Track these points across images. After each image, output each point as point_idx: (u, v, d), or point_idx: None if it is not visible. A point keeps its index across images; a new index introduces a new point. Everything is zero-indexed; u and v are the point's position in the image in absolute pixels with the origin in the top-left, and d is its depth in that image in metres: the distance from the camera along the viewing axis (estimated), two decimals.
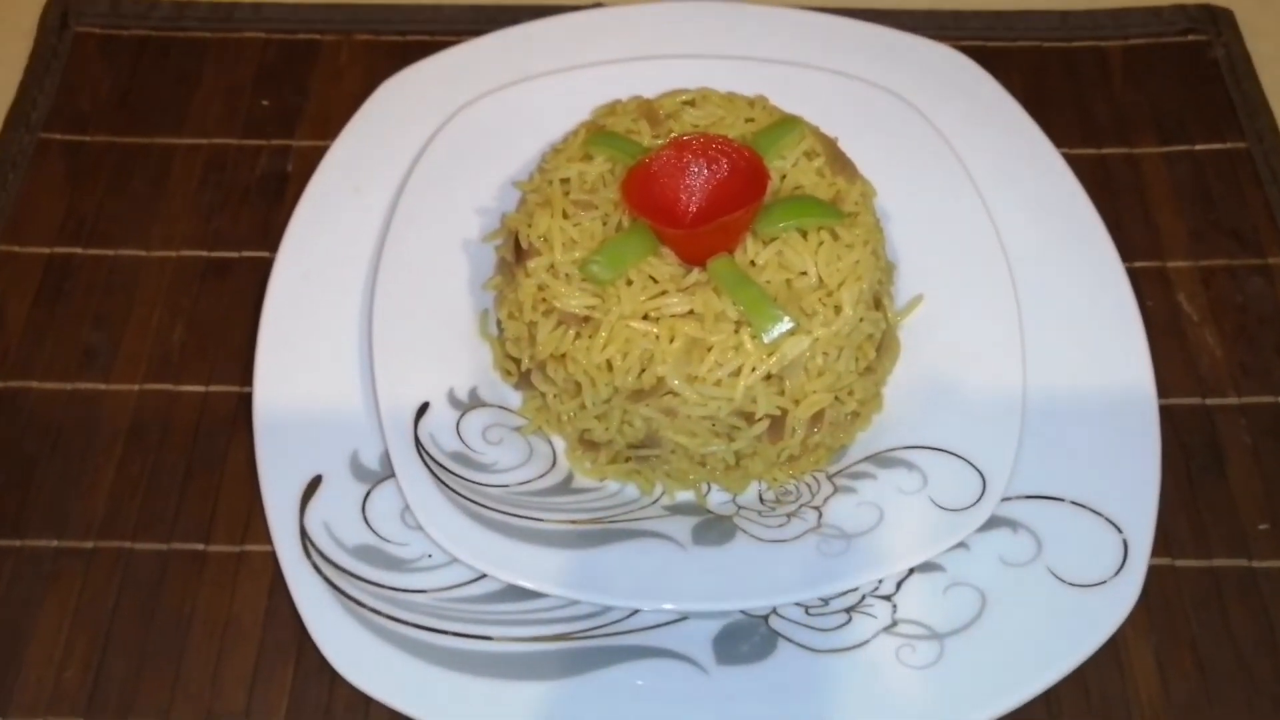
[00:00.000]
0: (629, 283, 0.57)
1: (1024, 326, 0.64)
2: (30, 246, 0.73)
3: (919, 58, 0.76)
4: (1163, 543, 0.62)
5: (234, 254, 0.73)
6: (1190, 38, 0.83)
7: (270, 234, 0.73)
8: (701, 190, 0.57)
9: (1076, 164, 0.76)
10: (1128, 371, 0.64)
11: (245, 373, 0.66)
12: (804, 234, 0.57)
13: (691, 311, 0.56)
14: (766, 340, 0.55)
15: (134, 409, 0.67)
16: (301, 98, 0.80)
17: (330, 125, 0.78)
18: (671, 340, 0.55)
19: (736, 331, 0.55)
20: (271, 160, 0.78)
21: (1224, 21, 0.84)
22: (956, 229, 0.67)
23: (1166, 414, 0.66)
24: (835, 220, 0.58)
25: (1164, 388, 0.67)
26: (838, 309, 0.56)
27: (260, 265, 0.72)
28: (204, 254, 0.73)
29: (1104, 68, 0.83)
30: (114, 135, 0.78)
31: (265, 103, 0.80)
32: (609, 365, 0.56)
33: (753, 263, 0.57)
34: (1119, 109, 0.80)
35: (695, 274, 0.57)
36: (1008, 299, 0.65)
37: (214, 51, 0.83)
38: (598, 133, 0.61)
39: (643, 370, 0.56)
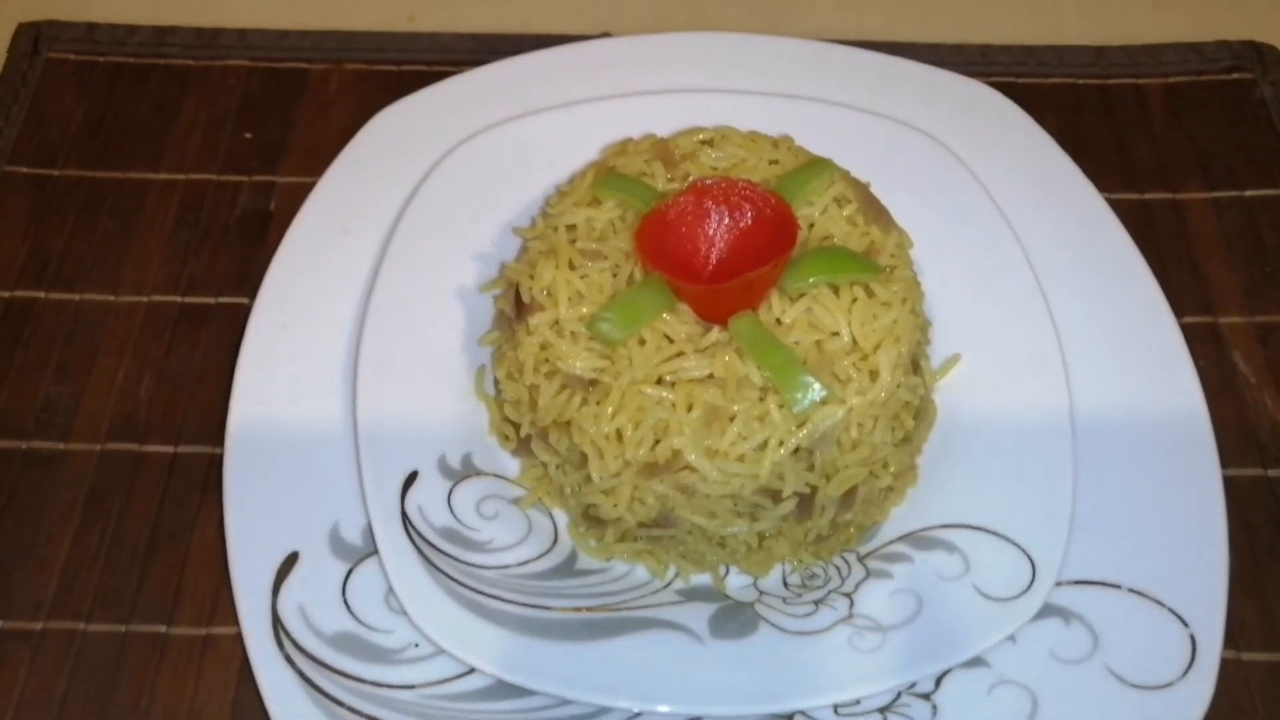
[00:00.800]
0: (641, 342, 0.51)
1: (1072, 391, 0.59)
2: None
3: (951, 94, 0.71)
4: (1227, 633, 0.56)
5: (210, 300, 0.68)
6: (1235, 75, 0.79)
7: (249, 278, 0.68)
8: (723, 241, 0.52)
9: (1118, 210, 0.71)
10: (1188, 441, 0.58)
11: (218, 432, 0.60)
12: (836, 290, 0.52)
13: (711, 375, 0.50)
14: (796, 410, 0.49)
15: (94, 471, 0.61)
16: (287, 130, 0.75)
17: (317, 160, 0.73)
18: (689, 409, 0.49)
19: (762, 399, 0.50)
20: (253, 197, 0.72)
21: (1270, 58, 0.79)
22: (996, 282, 0.62)
23: (1225, 486, 0.61)
24: (870, 275, 0.52)
25: (1222, 457, 0.62)
26: (874, 374, 0.51)
27: (238, 312, 0.66)
28: (177, 300, 0.68)
29: (1143, 107, 0.78)
30: (84, 169, 0.73)
31: (248, 135, 0.75)
32: (618, 435, 0.50)
33: (779, 321, 0.51)
34: (1161, 151, 0.75)
35: (715, 333, 0.51)
36: (1053, 360, 0.59)
37: (195, 80, 0.78)
38: (607, 175, 0.56)
39: (656, 442, 0.50)
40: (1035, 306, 0.61)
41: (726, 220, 0.52)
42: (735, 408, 0.49)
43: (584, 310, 0.52)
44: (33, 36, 0.79)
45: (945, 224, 0.64)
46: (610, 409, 0.50)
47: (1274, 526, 0.60)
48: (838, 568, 0.55)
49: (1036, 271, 0.63)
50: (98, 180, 0.72)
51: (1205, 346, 0.67)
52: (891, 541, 0.55)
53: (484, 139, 0.66)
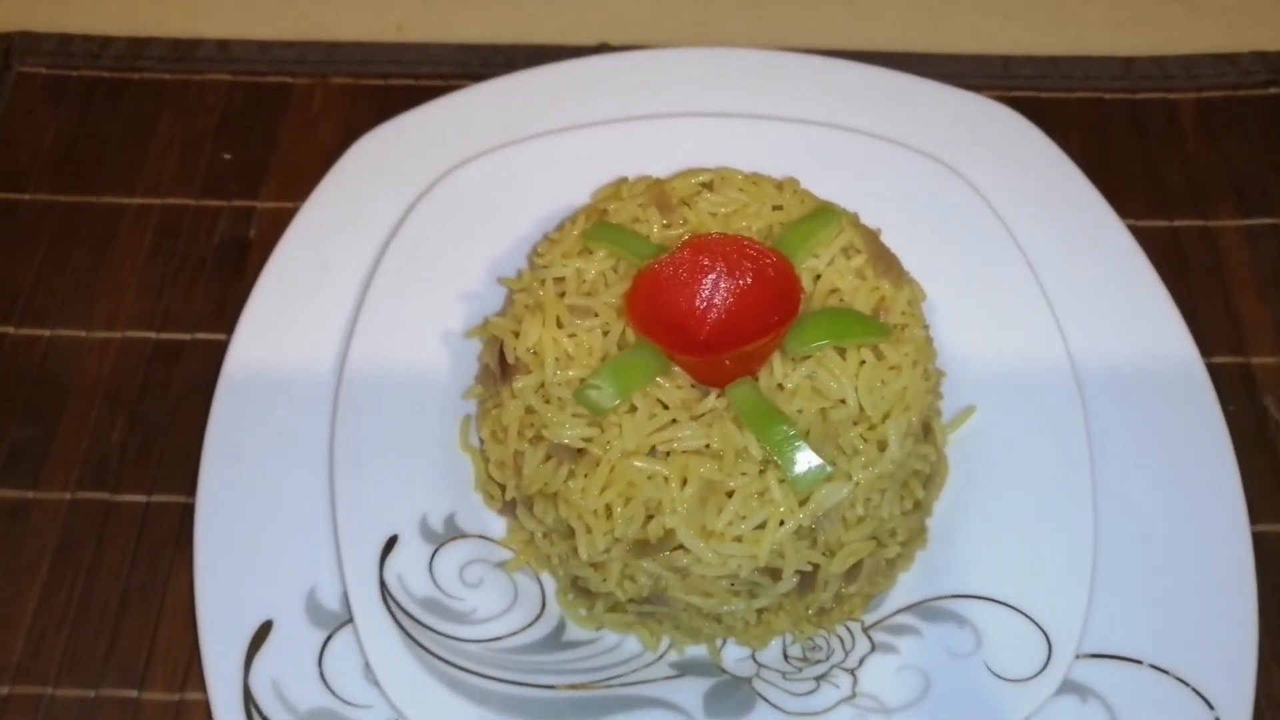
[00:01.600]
0: (633, 409, 0.48)
1: (1093, 446, 0.55)
2: None
3: (968, 116, 0.67)
4: (1256, 704, 0.53)
5: (185, 336, 0.64)
6: (1272, 90, 0.74)
7: (227, 312, 0.65)
8: (720, 307, 0.48)
9: (1145, 237, 0.67)
10: (1216, 502, 0.55)
11: (193, 479, 0.57)
12: (842, 352, 0.48)
13: (708, 446, 0.47)
14: (798, 489, 0.46)
15: (64, 521, 0.59)
16: (268, 151, 0.71)
17: (299, 184, 0.69)
18: (684, 483, 0.46)
19: (762, 473, 0.46)
20: (232, 224, 0.69)
21: None
22: (1013, 328, 0.58)
23: (1255, 544, 0.57)
24: (879, 337, 0.48)
25: (1251, 512, 0.58)
26: (882, 445, 0.47)
27: (215, 350, 0.63)
28: (151, 335, 0.64)
29: (1174, 124, 0.73)
30: (56, 193, 0.70)
31: (227, 156, 0.71)
32: (608, 511, 0.47)
33: (781, 386, 0.48)
34: (1192, 172, 0.71)
35: (713, 398, 0.48)
36: (1074, 414, 0.55)
37: (173, 95, 0.74)
38: (598, 224, 0.52)
39: (649, 518, 0.47)
40: (1055, 354, 0.57)
41: (724, 285, 0.48)
42: (733, 483, 0.46)
43: (571, 374, 0.49)
44: (4, 49, 0.75)
45: (960, 263, 0.60)
46: (599, 483, 0.47)
47: None
48: (841, 639, 0.52)
49: (1057, 314, 0.59)
50: (70, 205, 0.69)
51: (1235, 389, 0.63)
52: (898, 611, 0.52)
53: (471, 168, 0.62)
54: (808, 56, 0.69)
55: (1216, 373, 0.63)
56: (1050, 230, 0.63)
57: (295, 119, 0.73)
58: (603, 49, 0.75)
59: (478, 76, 0.74)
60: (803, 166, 0.61)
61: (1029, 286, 0.59)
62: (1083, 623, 0.50)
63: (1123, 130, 0.73)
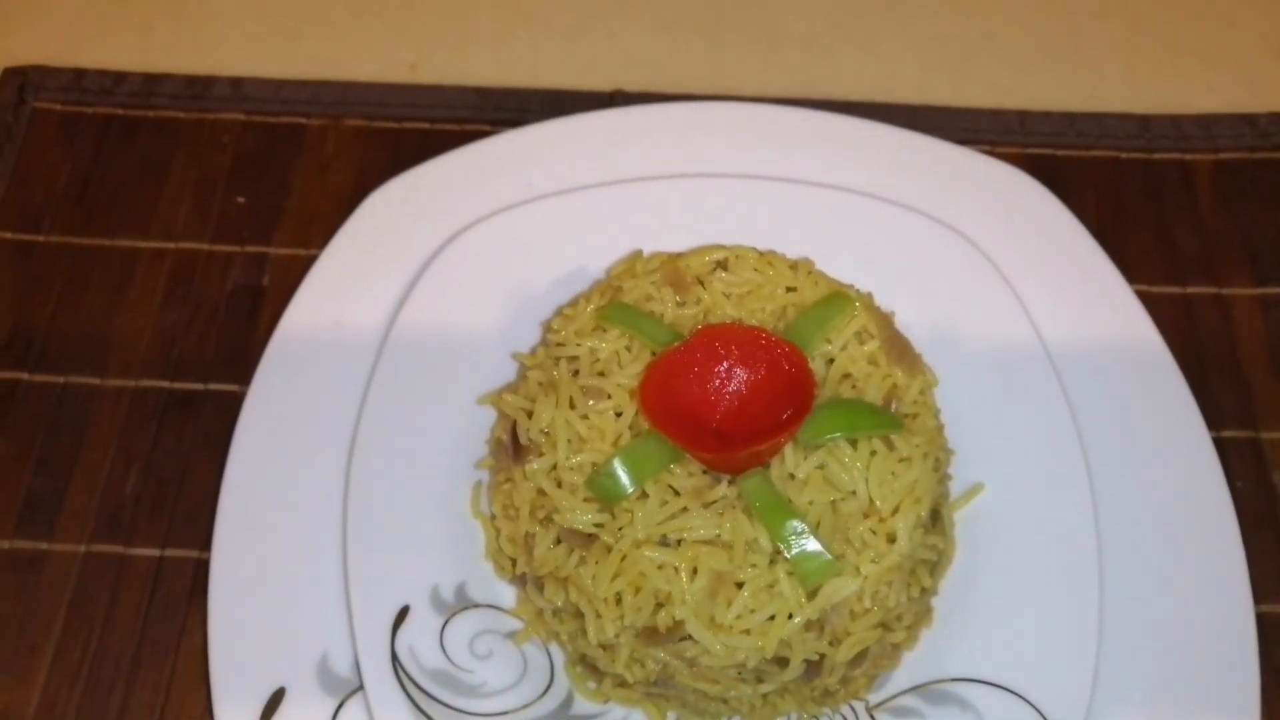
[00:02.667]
0: (644, 495, 0.48)
1: (1100, 526, 0.55)
2: None
3: (984, 182, 0.67)
4: None
5: (199, 386, 0.65)
6: None
7: (239, 363, 0.65)
8: (733, 399, 0.48)
9: (1158, 304, 0.67)
10: (1221, 587, 0.55)
11: (206, 534, 0.58)
12: (853, 443, 0.49)
13: (718, 537, 0.47)
14: (807, 583, 0.46)
15: (78, 574, 0.59)
16: (281, 195, 0.71)
17: (313, 230, 0.70)
18: (693, 574, 0.47)
19: (772, 564, 0.47)
20: (245, 270, 0.69)
21: None
22: (1022, 403, 0.58)
23: (1262, 624, 0.58)
24: (890, 428, 0.49)
25: (1257, 591, 0.59)
26: (891, 539, 0.48)
27: (228, 400, 0.64)
28: (165, 385, 0.65)
29: (1190, 187, 0.73)
30: (70, 234, 0.70)
31: (241, 199, 0.71)
32: (618, 599, 0.48)
33: (793, 477, 0.48)
34: (1207, 238, 0.71)
35: (724, 486, 0.48)
36: (1082, 494, 0.56)
37: (186, 134, 0.74)
38: (613, 304, 0.52)
39: (657, 608, 0.47)
40: (1064, 431, 0.57)
41: (736, 377, 0.48)
42: (742, 575, 0.47)
43: (584, 458, 0.49)
44: (19, 84, 0.75)
45: (972, 335, 0.60)
46: (609, 572, 0.47)
47: None
48: (845, 718, 0.52)
49: (1067, 390, 0.59)
50: (84, 248, 0.69)
51: (1244, 465, 0.63)
52: (902, 693, 0.53)
53: (483, 227, 0.62)
54: (823, 114, 0.69)
55: (1226, 446, 0.64)
56: (1062, 302, 0.63)
57: (309, 162, 0.73)
58: (617, 95, 0.75)
59: (491, 121, 0.75)
60: (816, 230, 0.62)
61: (1039, 361, 0.60)
62: (1085, 710, 0.51)
63: (1138, 191, 0.73)
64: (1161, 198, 0.73)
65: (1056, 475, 0.57)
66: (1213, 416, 0.64)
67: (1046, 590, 0.54)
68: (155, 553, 0.60)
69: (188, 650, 0.57)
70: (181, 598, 0.59)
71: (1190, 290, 0.69)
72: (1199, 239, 0.71)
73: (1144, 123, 0.75)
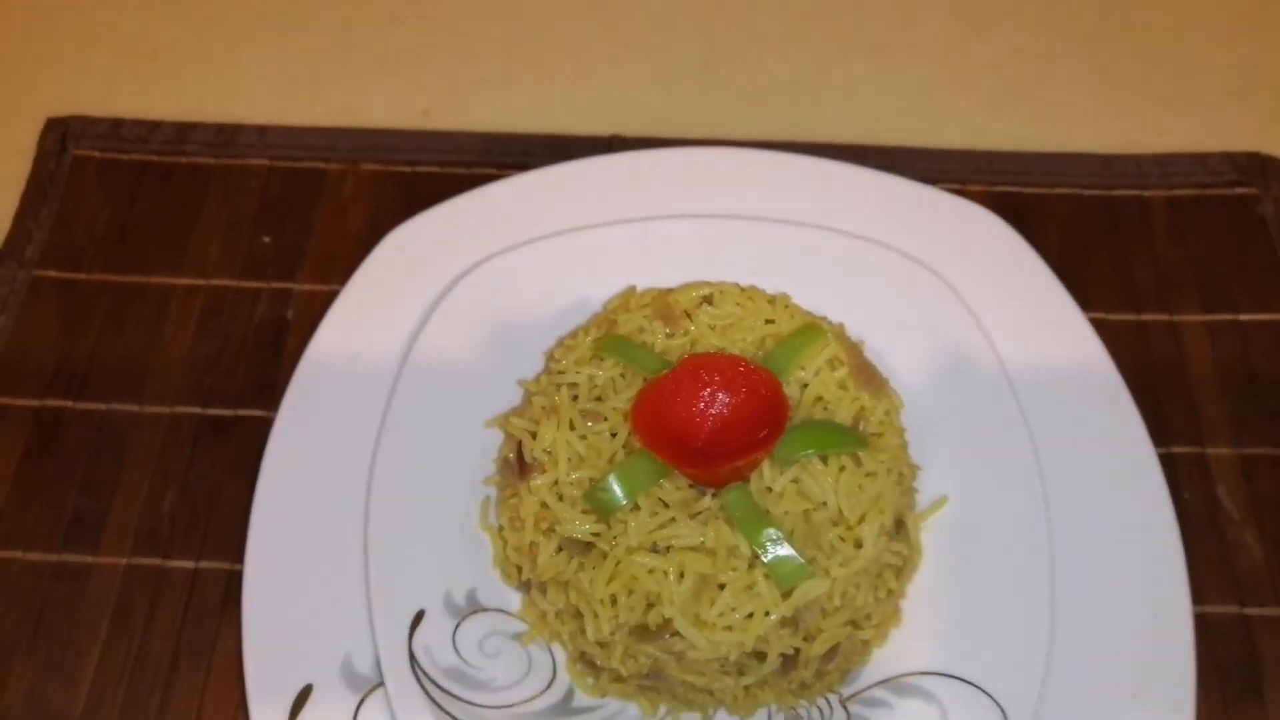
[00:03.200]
0: (637, 508, 0.54)
1: (1053, 538, 0.61)
2: (20, 398, 0.70)
3: (951, 219, 0.72)
4: None
5: (229, 412, 0.70)
6: (1237, 190, 0.79)
7: (267, 390, 0.71)
8: (715, 421, 0.54)
9: (1114, 331, 0.73)
10: (1163, 590, 0.60)
11: (237, 547, 0.64)
12: (824, 460, 0.54)
13: (703, 544, 0.52)
14: (782, 585, 0.52)
15: (120, 585, 0.65)
16: (304, 236, 0.77)
17: (333, 267, 0.76)
18: (681, 577, 0.52)
19: (751, 568, 0.52)
20: (271, 305, 0.75)
21: (1273, 172, 0.79)
22: (984, 423, 0.64)
23: (1202, 624, 0.63)
24: (858, 446, 0.54)
25: (1199, 593, 0.64)
26: (858, 545, 0.53)
27: (256, 425, 0.69)
28: (198, 411, 0.70)
29: (1146, 221, 0.79)
30: (110, 273, 0.76)
31: (267, 239, 0.77)
32: (613, 600, 0.53)
33: (770, 490, 0.54)
34: (1161, 269, 0.76)
35: (708, 499, 0.54)
36: (1036, 503, 0.61)
37: (216, 179, 0.80)
38: (608, 336, 0.58)
39: (649, 608, 0.52)
40: (1021, 448, 0.63)
41: (718, 401, 0.54)
42: (724, 578, 0.52)
43: (582, 474, 0.55)
44: (60, 133, 0.81)
45: (937, 361, 0.66)
46: (606, 576, 0.53)
47: (1247, 667, 0.62)
48: (821, 709, 0.57)
49: (1025, 412, 0.64)
50: (123, 285, 0.75)
51: (1191, 479, 0.68)
52: (873, 685, 0.58)
53: (491, 265, 0.68)
54: (803, 158, 0.75)
55: (1175, 462, 0.69)
56: (1021, 330, 0.68)
57: (329, 205, 0.79)
58: (614, 139, 0.81)
59: (498, 164, 0.81)
60: (794, 266, 0.68)
61: (999, 384, 0.65)
62: (1036, 700, 0.56)
63: (1098, 226, 0.78)
64: (1120, 232, 0.78)
65: (1014, 488, 0.62)
66: (1163, 434, 0.69)
67: (1003, 592, 0.59)
68: (191, 565, 0.65)
69: (222, 654, 0.63)
70: (215, 606, 0.64)
71: (1145, 317, 0.74)
72: (1153, 270, 0.76)
73: (1105, 162, 0.81)
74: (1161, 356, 0.73)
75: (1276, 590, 0.65)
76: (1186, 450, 0.69)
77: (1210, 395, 0.71)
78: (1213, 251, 0.77)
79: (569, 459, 0.55)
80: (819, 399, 0.57)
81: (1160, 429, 0.69)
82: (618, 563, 0.53)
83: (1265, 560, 0.65)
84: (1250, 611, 0.64)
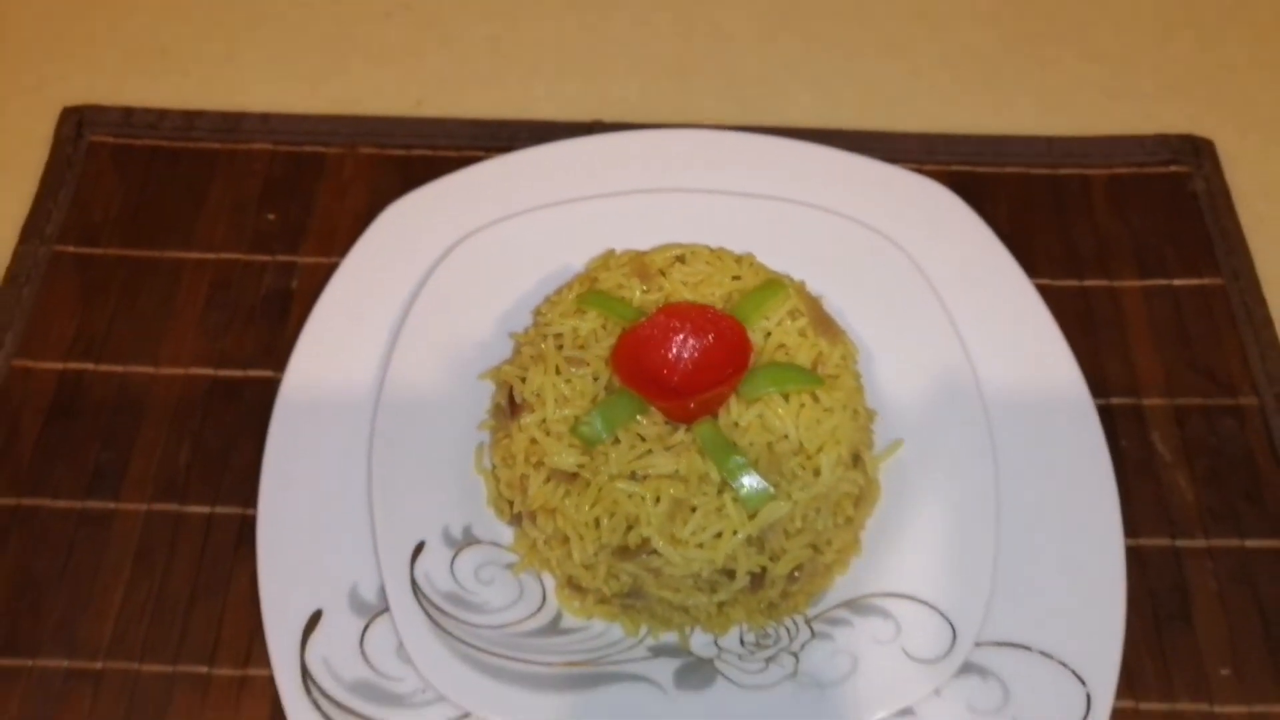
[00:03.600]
0: (617, 441, 0.59)
1: (998, 472, 0.67)
2: (44, 362, 0.76)
3: (906, 192, 0.79)
4: (1128, 684, 0.64)
5: (239, 373, 0.76)
6: (1172, 169, 0.86)
7: (274, 353, 0.76)
8: (687, 361, 0.60)
9: (1058, 295, 0.79)
10: (1097, 517, 0.66)
11: (249, 495, 0.69)
12: (786, 397, 0.60)
13: (677, 472, 0.58)
14: (748, 505, 0.57)
15: (141, 529, 0.69)
16: (306, 214, 0.83)
17: (334, 241, 0.81)
18: (657, 501, 0.58)
19: (719, 494, 0.58)
20: (276, 277, 0.80)
21: (1205, 153, 0.86)
22: (936, 372, 0.70)
23: (1136, 555, 0.69)
24: (815, 385, 0.60)
25: (1135, 528, 0.70)
26: (817, 472, 0.59)
27: (264, 384, 0.75)
28: (210, 372, 0.75)
29: (1088, 197, 0.85)
30: (125, 248, 0.81)
31: (271, 217, 0.83)
32: (596, 523, 0.59)
33: (736, 424, 0.59)
34: (1101, 240, 0.82)
35: (681, 433, 0.60)
36: (983, 446, 0.67)
37: (222, 162, 0.85)
38: (590, 291, 0.64)
39: (628, 529, 0.58)
40: (970, 396, 0.69)
41: (689, 344, 0.60)
42: (696, 501, 0.58)
43: (568, 412, 0.60)
44: (76, 121, 0.87)
45: (895, 319, 0.72)
46: (589, 501, 0.58)
47: (1177, 593, 0.68)
48: (787, 629, 0.63)
49: (973, 363, 0.70)
50: (137, 259, 0.80)
51: (1129, 427, 0.74)
52: (835, 607, 0.63)
53: (482, 235, 0.74)
54: (770, 138, 0.81)
55: (1114, 412, 0.75)
56: (970, 291, 0.74)
57: (329, 185, 0.84)
58: (596, 125, 0.87)
59: (486, 148, 0.86)
60: (761, 235, 0.73)
61: (950, 339, 0.71)
62: (982, 617, 0.61)
63: (1044, 202, 0.85)
64: (1064, 206, 0.85)
65: (964, 432, 0.68)
66: (1103, 387, 0.75)
67: (954, 526, 0.65)
68: (206, 510, 0.70)
69: (236, 590, 0.67)
70: (229, 547, 0.69)
71: (1087, 283, 0.81)
72: (1094, 240, 0.83)
73: (1050, 144, 0.87)
74: (1101, 318, 0.79)
75: (1204, 525, 0.71)
76: (1124, 401, 0.75)
77: (1146, 352, 0.78)
78: (1149, 224, 0.83)
79: (555, 400, 0.61)
80: (781, 345, 0.63)
81: (1100, 382, 0.75)
82: (600, 489, 0.58)
83: (1195, 499, 0.71)
84: (1180, 544, 0.70)
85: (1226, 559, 0.69)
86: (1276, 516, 0.70)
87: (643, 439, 0.59)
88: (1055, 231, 0.83)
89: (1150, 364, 0.77)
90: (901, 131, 0.88)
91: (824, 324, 0.63)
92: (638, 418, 0.59)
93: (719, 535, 0.57)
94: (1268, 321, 0.78)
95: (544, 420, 0.61)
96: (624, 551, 0.58)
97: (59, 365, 0.76)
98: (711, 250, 0.66)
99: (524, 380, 0.62)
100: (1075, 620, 0.63)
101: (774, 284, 0.64)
